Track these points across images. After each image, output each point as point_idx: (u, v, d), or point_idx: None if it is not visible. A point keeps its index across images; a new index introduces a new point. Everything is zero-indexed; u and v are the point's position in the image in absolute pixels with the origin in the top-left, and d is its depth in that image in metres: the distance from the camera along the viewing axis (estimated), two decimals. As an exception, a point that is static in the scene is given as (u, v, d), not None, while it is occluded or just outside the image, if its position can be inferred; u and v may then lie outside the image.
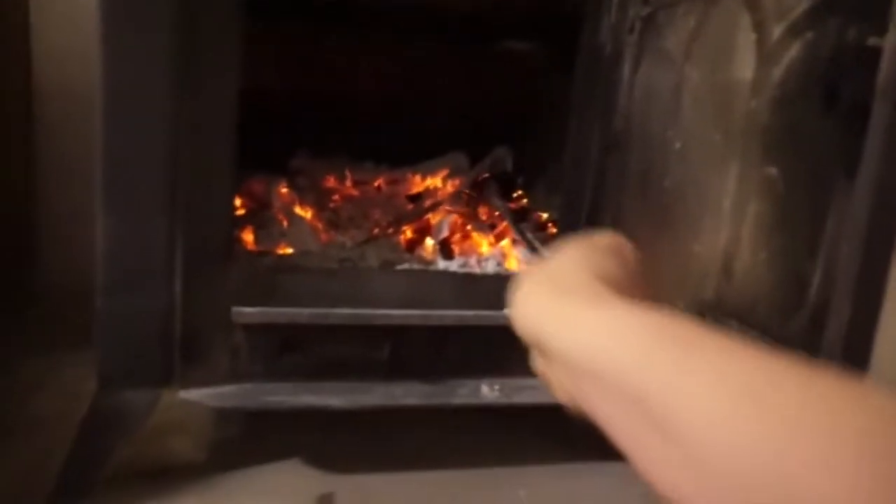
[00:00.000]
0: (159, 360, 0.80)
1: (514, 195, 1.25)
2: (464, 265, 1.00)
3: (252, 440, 0.98)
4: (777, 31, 0.59)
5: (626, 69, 0.85)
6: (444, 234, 1.10)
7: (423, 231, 1.11)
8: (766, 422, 0.22)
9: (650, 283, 0.38)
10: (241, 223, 0.99)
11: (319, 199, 1.16)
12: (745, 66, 0.62)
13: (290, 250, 0.99)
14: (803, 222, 0.56)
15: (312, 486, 0.87)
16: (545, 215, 1.15)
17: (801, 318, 0.56)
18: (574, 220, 0.91)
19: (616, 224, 0.86)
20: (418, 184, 1.27)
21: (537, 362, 0.37)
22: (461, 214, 1.13)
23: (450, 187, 1.28)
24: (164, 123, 0.74)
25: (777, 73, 0.58)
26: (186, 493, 0.83)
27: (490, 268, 1.00)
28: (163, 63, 0.73)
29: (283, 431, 0.99)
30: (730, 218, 0.64)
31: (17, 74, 1.28)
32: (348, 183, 1.25)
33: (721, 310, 0.67)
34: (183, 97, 0.74)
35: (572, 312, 0.32)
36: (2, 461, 0.85)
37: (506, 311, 0.38)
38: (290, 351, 0.87)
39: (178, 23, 0.73)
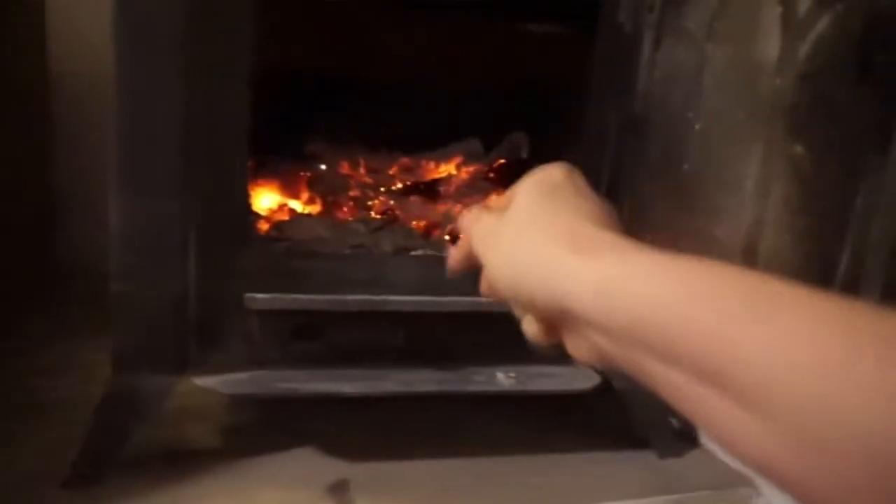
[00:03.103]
0: (174, 346, 0.80)
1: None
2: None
3: (267, 426, 0.98)
4: (804, 4, 0.57)
5: (646, 49, 0.83)
6: (451, 226, 1.09)
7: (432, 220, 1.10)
8: (873, 388, 0.18)
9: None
10: (255, 208, 0.99)
11: (333, 186, 1.15)
12: (769, 43, 0.60)
13: (303, 236, 0.98)
14: (831, 201, 0.55)
15: (327, 473, 0.87)
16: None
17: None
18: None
19: (634, 206, 0.85)
20: (432, 171, 1.26)
21: (531, 326, 0.33)
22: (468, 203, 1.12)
23: (464, 174, 1.26)
24: (179, 106, 0.74)
25: (804, 48, 0.57)
26: (201, 479, 0.83)
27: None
28: (177, 45, 0.73)
29: (298, 418, 0.98)
30: (753, 199, 0.62)
31: (34, 57, 1.28)
32: (362, 170, 1.24)
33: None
34: (197, 79, 0.74)
35: (591, 267, 0.28)
36: (22, 443, 0.85)
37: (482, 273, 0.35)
38: (305, 337, 0.87)
39: (192, 5, 0.72)
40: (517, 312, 0.34)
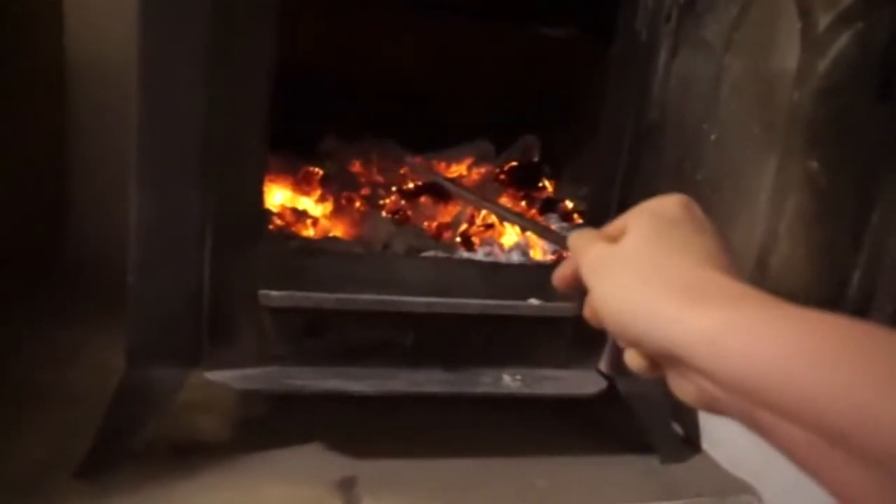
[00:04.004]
0: (187, 340, 0.81)
1: (540, 184, 1.24)
2: (489, 254, 1.00)
3: (277, 421, 0.98)
4: (825, 20, 0.57)
5: (663, 58, 0.84)
6: (461, 227, 1.09)
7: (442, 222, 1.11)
8: None
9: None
10: (269, 205, 0.99)
11: (346, 184, 1.16)
12: (788, 56, 0.61)
13: (316, 234, 0.99)
14: (846, 216, 0.55)
15: (334, 469, 0.88)
16: (571, 205, 1.14)
17: (841, 314, 0.54)
18: (603, 211, 0.90)
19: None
20: (444, 171, 1.27)
21: (634, 359, 0.33)
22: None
23: (475, 175, 1.27)
24: (199, 103, 0.75)
25: (824, 63, 0.57)
26: (210, 472, 0.84)
27: (515, 257, 0.99)
28: (198, 42, 0.73)
29: (307, 414, 0.99)
30: (767, 211, 0.62)
31: (51, 50, 1.29)
32: (374, 169, 1.24)
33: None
34: (217, 76, 0.75)
35: (704, 315, 0.27)
36: (30, 433, 0.86)
37: (590, 304, 0.33)
38: (316, 335, 0.87)
39: (216, 3, 0.73)
40: (620, 343, 0.33)
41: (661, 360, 0.31)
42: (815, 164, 0.59)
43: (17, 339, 1.08)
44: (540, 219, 1.10)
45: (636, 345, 0.31)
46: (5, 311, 1.10)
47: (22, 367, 1.01)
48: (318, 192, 1.11)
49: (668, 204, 0.34)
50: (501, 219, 1.05)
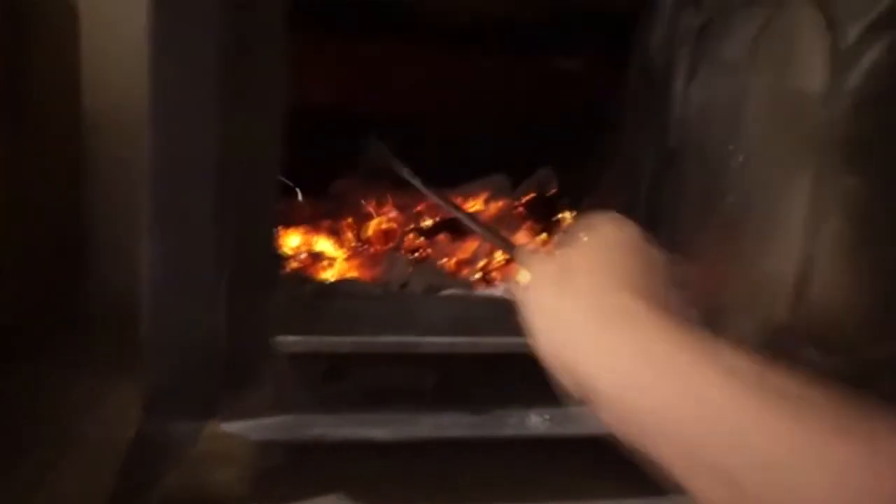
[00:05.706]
0: (202, 390, 0.79)
1: (558, 217, 1.22)
2: (509, 290, 0.97)
3: (297, 472, 0.95)
4: (854, 31, 0.55)
5: (680, 81, 0.82)
6: (481, 263, 1.07)
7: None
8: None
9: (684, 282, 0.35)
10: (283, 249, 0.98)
11: (361, 223, 1.14)
12: (816, 71, 0.58)
13: (331, 276, 0.97)
14: (892, 233, 0.52)
15: (358, 521, 0.84)
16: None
17: (894, 343, 0.51)
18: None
19: (675, 242, 0.82)
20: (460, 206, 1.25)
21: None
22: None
23: (492, 209, 1.25)
24: (212, 147, 0.74)
25: (856, 76, 0.54)
26: (228, 528, 0.81)
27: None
28: (211, 86, 0.72)
29: (328, 463, 0.95)
30: (803, 233, 0.59)
31: (65, 94, 1.30)
32: (389, 207, 1.23)
33: (795, 333, 0.63)
34: (231, 120, 0.73)
35: (614, 343, 0.29)
36: (48, 483, 0.84)
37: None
38: (334, 380, 0.85)
39: (226, 46, 0.72)
40: None
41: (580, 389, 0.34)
42: (853, 181, 0.56)
43: (39, 388, 1.06)
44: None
45: (560, 370, 0.35)
46: (27, 360, 1.09)
47: (35, 416, 0.99)
48: (331, 234, 1.10)
49: (610, 225, 0.36)
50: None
